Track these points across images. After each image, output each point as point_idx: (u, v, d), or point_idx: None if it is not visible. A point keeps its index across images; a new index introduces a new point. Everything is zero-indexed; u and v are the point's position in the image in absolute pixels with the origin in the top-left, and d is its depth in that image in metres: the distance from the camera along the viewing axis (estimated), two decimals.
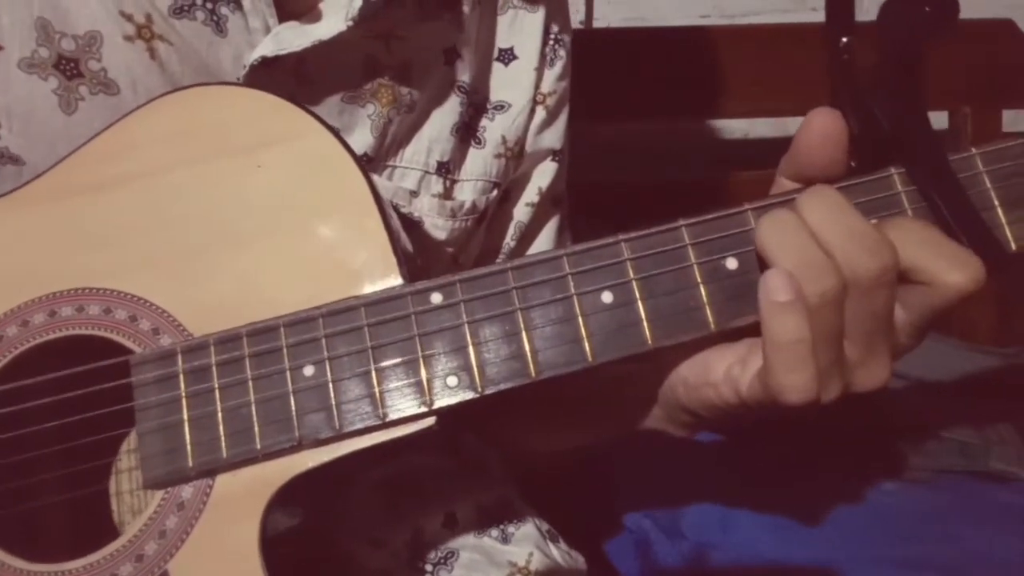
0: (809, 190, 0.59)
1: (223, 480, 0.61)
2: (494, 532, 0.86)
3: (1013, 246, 0.59)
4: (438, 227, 0.82)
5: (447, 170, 0.82)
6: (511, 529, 0.87)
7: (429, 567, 0.83)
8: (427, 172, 0.81)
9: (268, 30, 0.72)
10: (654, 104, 1.35)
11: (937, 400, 1.10)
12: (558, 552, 0.88)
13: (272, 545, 0.61)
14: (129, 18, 0.70)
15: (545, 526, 0.90)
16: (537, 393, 0.61)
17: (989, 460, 1.01)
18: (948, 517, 0.96)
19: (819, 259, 0.56)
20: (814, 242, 0.57)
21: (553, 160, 0.90)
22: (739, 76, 1.34)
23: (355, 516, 0.84)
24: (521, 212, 0.90)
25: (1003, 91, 1.38)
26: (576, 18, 1.49)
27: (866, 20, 0.61)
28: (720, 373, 0.62)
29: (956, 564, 0.92)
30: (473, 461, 0.93)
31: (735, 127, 1.55)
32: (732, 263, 0.60)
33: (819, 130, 0.60)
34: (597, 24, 1.51)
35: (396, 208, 0.79)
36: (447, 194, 0.82)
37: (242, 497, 0.60)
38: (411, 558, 0.83)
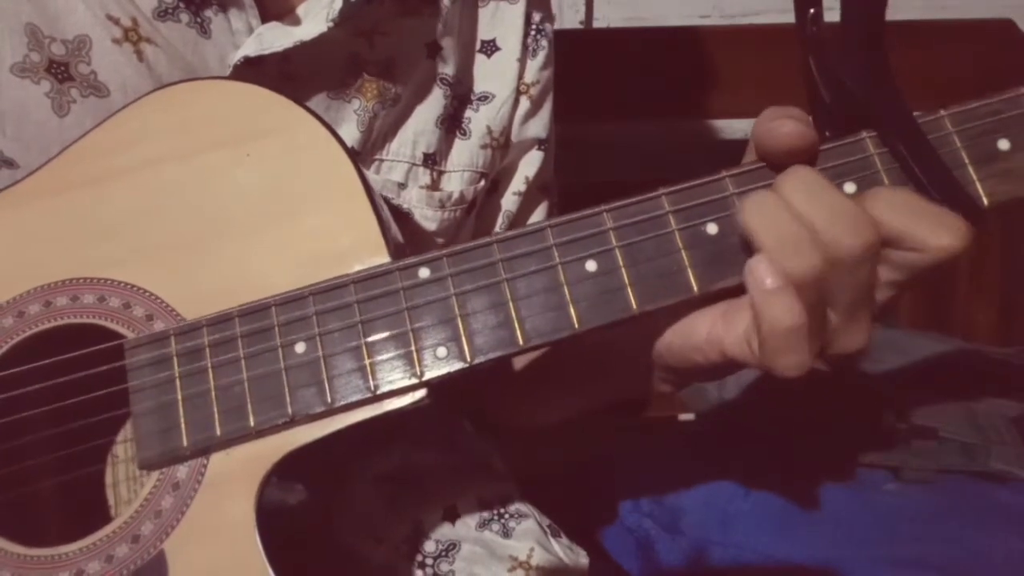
0: (788, 171, 0.59)
1: (217, 459, 0.61)
2: (495, 526, 0.86)
3: (986, 201, 0.59)
4: (427, 218, 0.82)
5: (433, 161, 0.83)
6: (512, 524, 0.87)
7: (430, 560, 0.83)
8: (414, 164, 0.82)
9: (251, 31, 0.74)
10: (654, 104, 1.35)
11: (937, 400, 1.10)
12: (559, 547, 0.88)
13: (271, 534, 0.61)
14: (116, 22, 0.71)
15: (546, 521, 0.90)
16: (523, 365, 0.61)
17: (989, 460, 1.01)
18: (948, 517, 0.96)
19: (802, 236, 0.56)
20: (796, 220, 0.57)
21: (539, 149, 0.91)
22: (739, 76, 1.35)
23: (357, 513, 0.84)
24: (509, 201, 0.91)
25: (1003, 91, 1.37)
26: (576, 18, 1.50)
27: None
28: (703, 335, 0.62)
29: (956, 564, 0.92)
30: (474, 457, 0.93)
31: (735, 127, 1.54)
32: (712, 228, 0.60)
33: (786, 143, 0.60)
34: (597, 24, 1.52)
35: (386, 200, 0.79)
36: (435, 185, 0.83)
37: (237, 475, 0.61)
38: (412, 551, 0.83)
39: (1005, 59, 1.37)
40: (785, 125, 0.59)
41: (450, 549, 0.83)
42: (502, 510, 0.88)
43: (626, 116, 1.38)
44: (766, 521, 0.98)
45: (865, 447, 1.04)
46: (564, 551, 0.88)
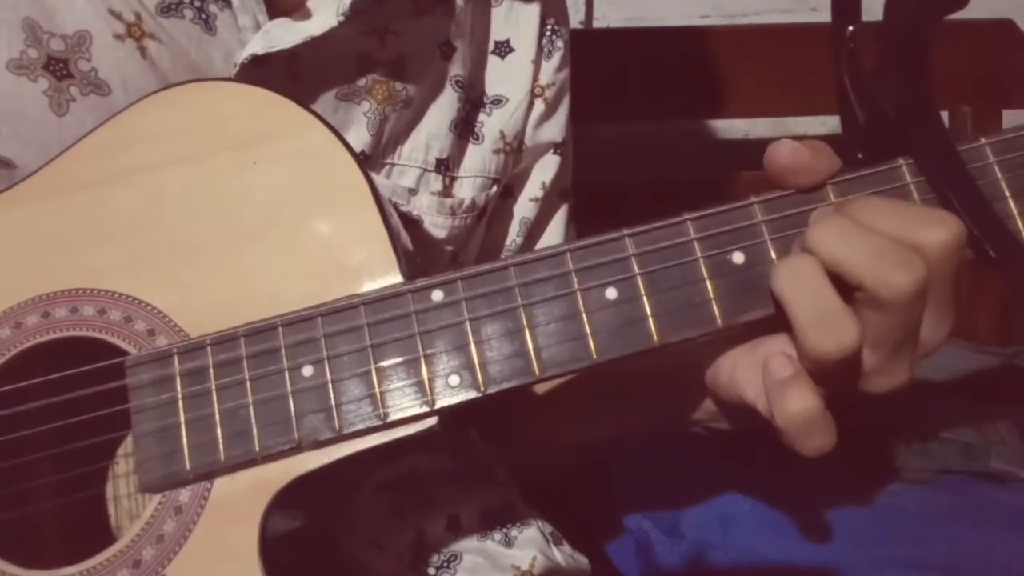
0: (812, 223, 0.57)
1: (221, 483, 0.59)
2: (497, 535, 0.86)
3: None
4: (437, 225, 0.81)
5: (446, 167, 0.81)
6: (514, 533, 0.86)
7: (432, 570, 0.82)
8: (426, 170, 0.80)
9: (258, 27, 0.71)
10: (654, 104, 1.34)
11: (938, 400, 1.10)
12: (561, 555, 0.87)
13: (273, 549, 0.60)
14: (118, 16, 0.69)
15: (548, 529, 0.89)
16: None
17: (990, 460, 1.01)
18: (949, 517, 0.96)
19: (837, 310, 0.54)
20: (832, 292, 0.54)
21: (555, 153, 0.89)
22: (739, 76, 1.34)
23: (359, 520, 0.83)
24: (526, 208, 0.89)
25: (1003, 91, 1.37)
26: (576, 18, 1.48)
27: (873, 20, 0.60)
28: (725, 375, 0.61)
29: (956, 564, 0.91)
30: (477, 464, 0.92)
31: (735, 127, 1.54)
32: (739, 257, 0.58)
33: (783, 164, 0.58)
34: (597, 24, 1.51)
35: (395, 206, 0.78)
36: (446, 191, 0.82)
37: (241, 500, 0.59)
38: (414, 561, 0.82)
39: (1005, 59, 1.37)
40: (783, 146, 0.58)
41: (452, 560, 0.83)
42: (504, 518, 0.87)
43: (626, 116, 1.37)
44: (766, 522, 0.97)
45: (866, 448, 1.04)
46: (566, 559, 0.87)
